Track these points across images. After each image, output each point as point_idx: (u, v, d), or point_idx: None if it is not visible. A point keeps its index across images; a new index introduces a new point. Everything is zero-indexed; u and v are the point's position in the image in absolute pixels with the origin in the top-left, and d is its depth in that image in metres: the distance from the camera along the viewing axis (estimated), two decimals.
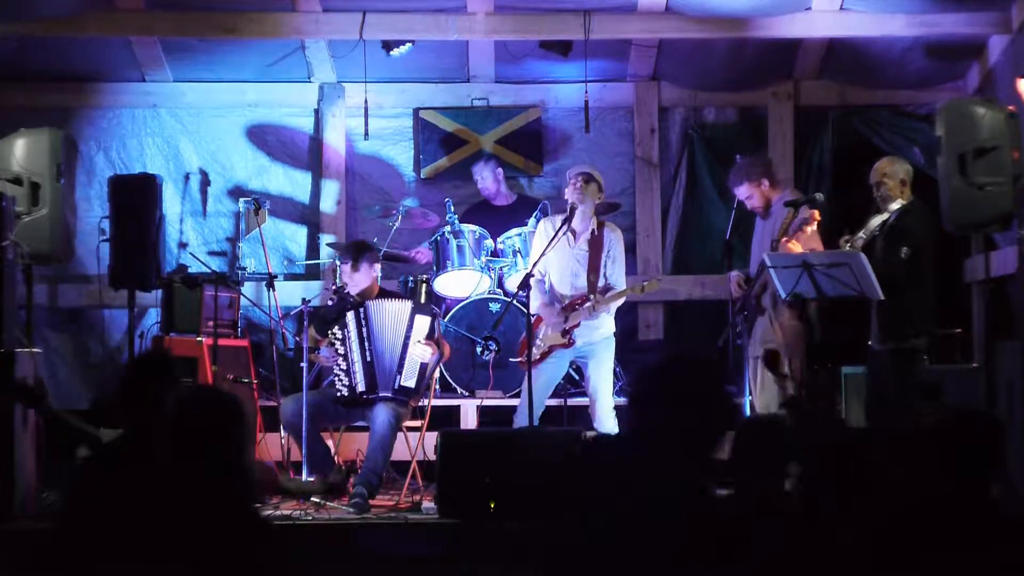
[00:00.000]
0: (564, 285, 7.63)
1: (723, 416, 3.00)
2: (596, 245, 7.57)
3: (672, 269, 9.48)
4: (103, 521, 3.60)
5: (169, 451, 3.32)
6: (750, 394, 7.49)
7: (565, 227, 7.51)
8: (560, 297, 7.63)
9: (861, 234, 7.08)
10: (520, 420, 7.37)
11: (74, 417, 6.50)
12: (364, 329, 7.24)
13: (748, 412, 7.45)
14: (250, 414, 7.42)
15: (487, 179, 9.03)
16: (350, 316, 7.26)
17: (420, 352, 7.28)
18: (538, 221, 8.38)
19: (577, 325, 7.50)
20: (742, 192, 7.62)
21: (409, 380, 7.25)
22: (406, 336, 7.26)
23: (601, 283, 7.57)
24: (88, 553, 3.60)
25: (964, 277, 8.79)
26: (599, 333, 7.57)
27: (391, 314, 7.33)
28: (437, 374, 7.99)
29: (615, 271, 7.62)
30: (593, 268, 7.56)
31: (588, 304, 7.48)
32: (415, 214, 8.87)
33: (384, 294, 7.55)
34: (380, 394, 7.20)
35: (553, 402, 7.83)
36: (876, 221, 7.14)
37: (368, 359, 7.22)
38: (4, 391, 6.12)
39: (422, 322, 7.32)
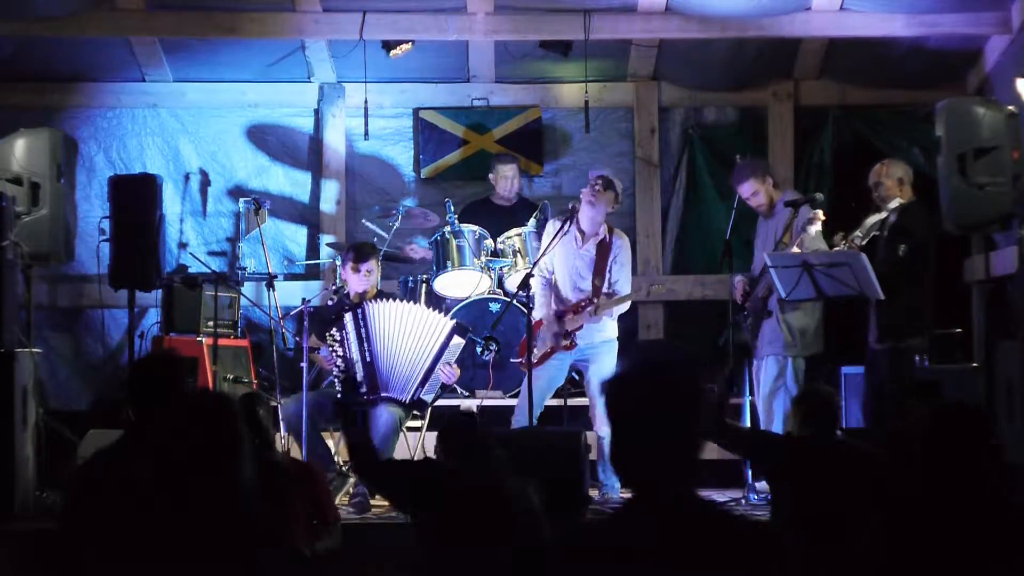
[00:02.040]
0: (567, 286, 7.60)
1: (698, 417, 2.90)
2: (604, 250, 7.54)
3: (672, 269, 9.48)
4: (103, 521, 3.60)
5: (169, 456, 3.31)
6: (751, 395, 7.49)
7: (565, 227, 7.49)
8: (563, 299, 7.60)
9: (858, 233, 7.08)
10: (519, 421, 7.36)
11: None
12: (363, 330, 7.22)
13: (748, 413, 7.45)
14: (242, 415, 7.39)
15: (510, 179, 8.96)
16: (348, 318, 7.25)
17: (448, 373, 7.27)
18: (538, 221, 8.38)
19: (580, 328, 7.48)
20: (747, 189, 7.56)
21: (428, 395, 7.27)
22: (439, 353, 7.20)
23: (606, 288, 7.53)
24: (88, 553, 3.60)
25: (964, 277, 8.79)
26: (601, 336, 7.53)
27: (419, 322, 7.24)
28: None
29: (621, 277, 7.58)
30: (599, 272, 7.52)
31: (590, 308, 7.46)
32: (415, 214, 8.87)
33: (381, 295, 7.54)
34: (382, 394, 7.19)
35: (553, 402, 7.82)
36: (873, 220, 7.14)
37: (367, 359, 7.21)
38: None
39: (458, 343, 7.28)
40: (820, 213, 7.17)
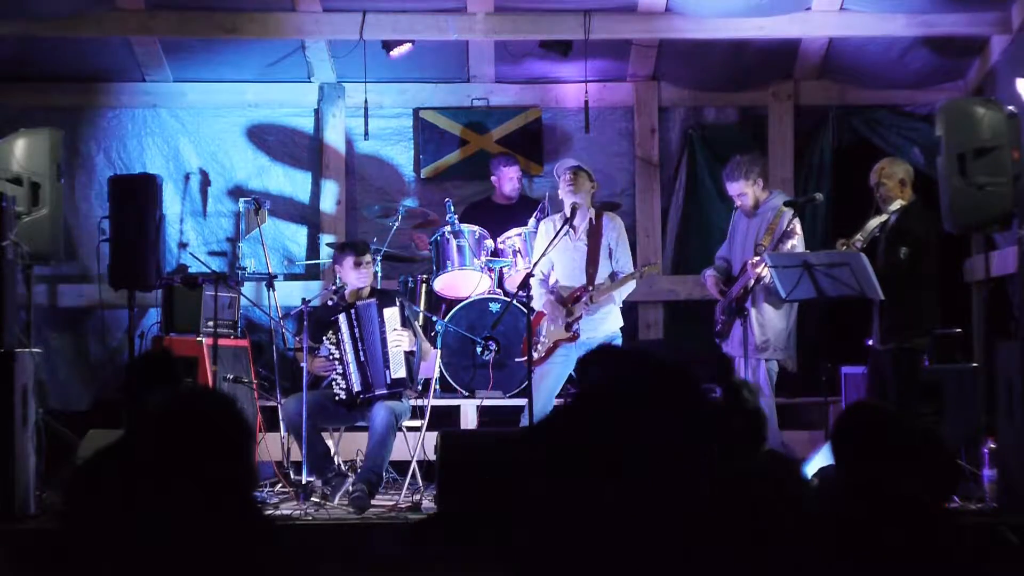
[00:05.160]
0: (570, 279, 7.61)
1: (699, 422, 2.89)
2: (595, 236, 7.55)
3: (672, 269, 9.48)
4: (102, 522, 3.60)
5: (159, 451, 3.30)
6: None
7: (566, 226, 7.50)
8: (565, 292, 7.61)
9: (859, 236, 7.08)
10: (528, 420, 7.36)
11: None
12: (357, 330, 7.26)
13: None
14: (247, 414, 7.43)
15: (514, 180, 9.01)
16: (342, 318, 7.29)
17: (396, 340, 7.31)
18: (538, 221, 8.38)
19: (579, 318, 7.47)
20: (735, 189, 7.61)
21: (399, 371, 7.28)
22: (381, 329, 7.29)
23: (607, 274, 7.52)
24: (88, 555, 3.60)
25: (964, 277, 8.80)
26: (604, 328, 7.52)
27: (369, 312, 7.37)
28: (437, 373, 7.99)
29: (621, 256, 7.57)
30: (592, 260, 7.53)
31: (586, 297, 7.46)
32: (415, 214, 8.87)
33: (375, 293, 7.57)
34: (375, 393, 7.22)
35: (554, 402, 7.82)
36: (875, 222, 7.14)
37: (362, 359, 7.24)
38: None
39: (391, 313, 7.36)
40: (797, 227, 7.22)
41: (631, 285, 7.60)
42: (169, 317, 8.21)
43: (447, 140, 9.56)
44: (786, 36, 8.84)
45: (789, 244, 7.27)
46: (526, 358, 7.44)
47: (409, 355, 7.36)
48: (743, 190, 7.56)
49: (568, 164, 7.68)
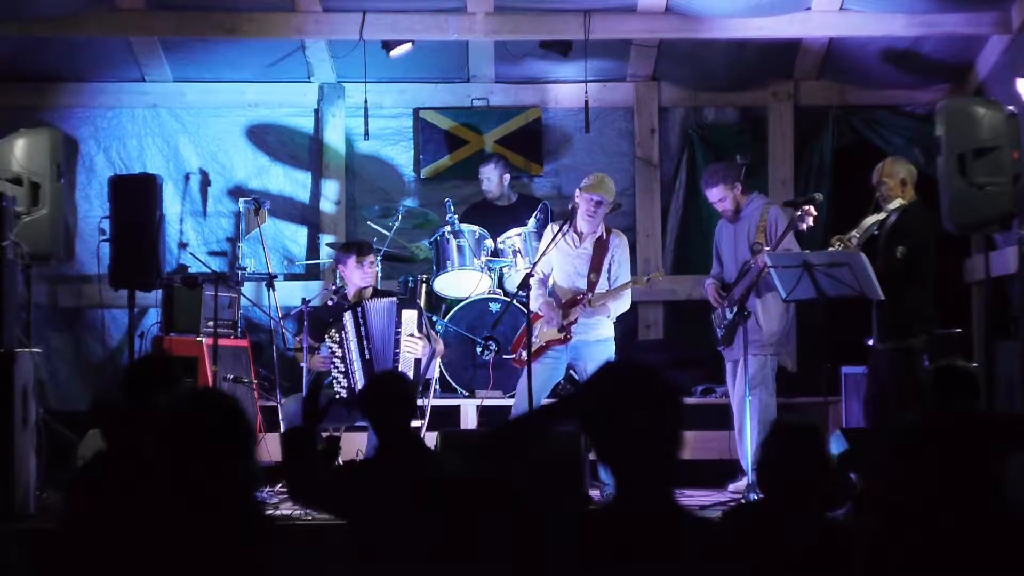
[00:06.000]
0: (566, 284, 7.61)
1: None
2: (601, 248, 7.55)
3: (672, 269, 9.47)
4: (104, 524, 3.60)
5: (163, 453, 3.30)
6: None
7: (567, 228, 7.50)
8: (562, 296, 7.61)
9: (854, 233, 7.08)
10: None
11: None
12: (363, 328, 7.25)
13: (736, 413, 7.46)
14: (250, 415, 7.41)
15: (492, 181, 9.03)
16: (347, 316, 7.27)
17: (411, 347, 7.30)
18: (538, 221, 8.38)
19: (575, 321, 7.47)
20: (715, 195, 7.58)
21: (407, 374, 7.28)
22: (396, 332, 7.28)
23: (604, 286, 7.54)
24: (90, 556, 3.60)
25: (964, 277, 8.80)
26: (595, 334, 7.52)
27: (381, 312, 7.36)
28: (437, 373, 7.99)
29: (621, 274, 7.58)
30: (595, 267, 7.53)
31: (585, 300, 7.46)
32: (415, 214, 8.87)
33: (377, 293, 7.57)
34: None
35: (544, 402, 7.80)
36: (871, 220, 7.14)
37: (367, 357, 7.23)
38: None
39: (409, 316, 7.35)
40: (812, 208, 7.18)
41: (628, 296, 7.58)
42: (169, 317, 8.21)
43: (447, 140, 9.56)
44: (786, 36, 8.84)
45: (804, 226, 7.21)
46: (516, 356, 7.46)
47: (418, 362, 7.35)
48: (723, 194, 7.54)
49: (598, 197, 7.51)
